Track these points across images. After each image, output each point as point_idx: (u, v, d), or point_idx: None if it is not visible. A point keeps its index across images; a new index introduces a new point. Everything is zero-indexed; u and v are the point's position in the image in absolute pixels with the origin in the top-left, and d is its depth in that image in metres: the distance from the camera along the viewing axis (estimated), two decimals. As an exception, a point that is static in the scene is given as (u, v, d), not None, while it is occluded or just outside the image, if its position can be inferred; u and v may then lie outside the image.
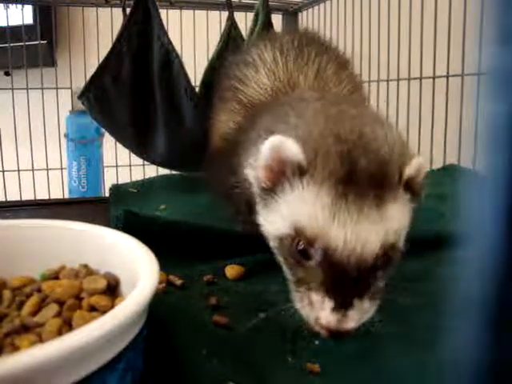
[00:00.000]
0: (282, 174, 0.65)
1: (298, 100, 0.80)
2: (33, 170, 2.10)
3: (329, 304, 0.59)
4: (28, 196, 2.01)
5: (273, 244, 0.69)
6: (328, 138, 0.64)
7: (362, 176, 0.61)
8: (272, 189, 0.67)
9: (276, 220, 0.67)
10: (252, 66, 1.01)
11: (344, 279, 0.59)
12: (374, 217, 0.60)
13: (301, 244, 0.62)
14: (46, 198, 2.02)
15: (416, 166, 0.65)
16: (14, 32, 2.06)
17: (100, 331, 0.43)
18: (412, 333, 0.68)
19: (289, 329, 0.68)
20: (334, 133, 0.64)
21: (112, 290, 0.61)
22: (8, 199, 1.99)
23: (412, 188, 0.65)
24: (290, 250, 0.64)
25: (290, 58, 0.97)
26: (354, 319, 0.59)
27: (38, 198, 2.00)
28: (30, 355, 0.39)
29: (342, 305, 0.58)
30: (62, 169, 2.17)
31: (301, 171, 0.63)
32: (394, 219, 0.62)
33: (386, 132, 0.68)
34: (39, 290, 0.60)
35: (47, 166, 2.12)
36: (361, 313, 0.60)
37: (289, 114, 0.74)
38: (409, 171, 0.64)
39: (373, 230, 0.60)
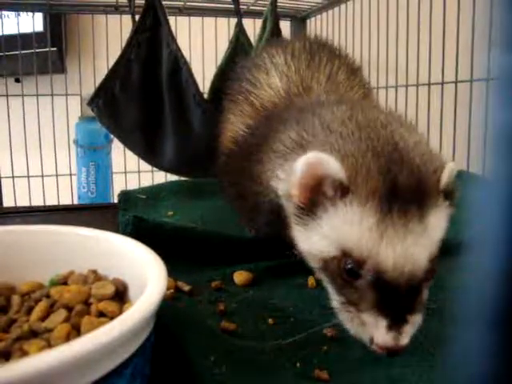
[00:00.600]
0: (320, 193, 0.63)
1: (320, 105, 0.79)
2: (42, 175, 2.12)
3: (383, 323, 0.58)
4: (37, 202, 2.02)
5: (315, 264, 0.67)
6: (366, 152, 0.62)
7: (403, 190, 0.59)
8: (310, 208, 0.65)
9: (318, 241, 0.64)
10: (263, 70, 1.00)
11: (396, 297, 0.58)
12: (420, 231, 0.59)
13: (348, 264, 0.60)
14: (56, 203, 2.04)
15: (450, 171, 0.64)
16: (25, 39, 2.08)
17: (108, 337, 0.43)
18: (422, 340, 0.67)
19: (297, 335, 0.68)
20: (371, 146, 0.63)
21: (120, 295, 0.61)
22: (18, 205, 2.01)
23: (448, 194, 0.64)
24: (337, 270, 0.62)
25: (301, 62, 0.97)
26: (408, 334, 0.58)
27: (48, 203, 2.01)
28: (39, 360, 0.39)
29: (396, 322, 0.58)
30: (71, 175, 2.19)
31: (342, 190, 0.61)
32: (437, 229, 0.61)
33: (417, 138, 0.67)
34: (48, 296, 0.60)
35: (56, 171, 2.14)
36: (414, 326, 0.59)
37: (316, 123, 0.72)
38: (445, 179, 0.63)
39: (420, 245, 0.59)
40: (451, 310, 0.29)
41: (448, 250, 0.91)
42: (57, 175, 2.15)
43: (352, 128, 0.67)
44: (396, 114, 0.77)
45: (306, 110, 0.79)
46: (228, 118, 1.05)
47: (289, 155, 0.72)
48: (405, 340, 0.58)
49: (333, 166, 0.61)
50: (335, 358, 0.65)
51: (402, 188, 0.59)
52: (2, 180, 2.08)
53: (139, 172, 2.18)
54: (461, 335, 0.28)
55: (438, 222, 0.61)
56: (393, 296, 0.58)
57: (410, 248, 0.58)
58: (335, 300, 0.64)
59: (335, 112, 0.73)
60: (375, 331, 0.58)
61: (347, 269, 0.60)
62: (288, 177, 0.69)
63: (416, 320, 0.59)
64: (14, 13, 2.16)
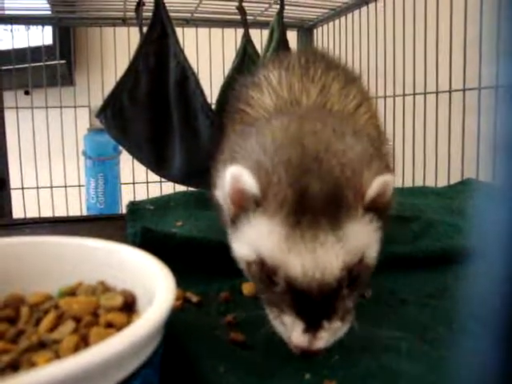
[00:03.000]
0: (242, 204, 0.67)
1: (269, 119, 0.82)
2: (51, 187, 2.13)
3: (299, 325, 0.61)
4: (46, 213, 2.03)
5: (242, 267, 0.72)
6: (279, 165, 0.65)
7: (314, 202, 0.62)
8: (236, 217, 0.69)
9: (242, 247, 0.69)
10: (258, 88, 1.02)
11: (310, 303, 0.61)
12: (331, 241, 0.61)
13: (265, 270, 0.64)
14: (65, 214, 2.05)
15: (379, 185, 0.65)
16: (34, 52, 2.11)
17: (116, 348, 0.43)
18: (430, 350, 0.67)
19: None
20: (286, 158, 0.65)
21: (129, 306, 0.61)
22: (27, 216, 2.02)
23: (376, 207, 0.65)
24: (257, 275, 0.67)
25: (294, 77, 0.98)
26: (323, 339, 0.61)
27: (57, 214, 2.02)
28: (47, 372, 0.39)
29: (311, 326, 0.60)
30: (79, 186, 2.20)
31: (256, 203, 0.65)
32: (355, 239, 0.63)
33: (346, 148, 0.68)
34: (56, 307, 0.60)
35: (65, 183, 2.15)
36: (331, 333, 0.61)
37: (250, 136, 0.76)
38: (370, 192, 0.64)
39: (330, 254, 0.61)
40: (459, 319, 0.29)
41: (457, 257, 0.91)
42: (66, 186, 2.17)
43: (279, 140, 0.70)
44: (346, 124, 0.79)
45: (255, 124, 0.83)
46: (227, 136, 1.06)
47: (225, 166, 0.75)
48: (319, 344, 0.61)
49: (247, 179, 0.65)
50: (344, 367, 0.64)
51: (312, 199, 0.62)
52: (12, 191, 2.09)
53: (147, 183, 2.19)
54: (468, 344, 0.28)
55: (354, 232, 0.63)
56: (307, 301, 0.61)
57: (318, 258, 0.61)
58: (262, 300, 0.68)
59: (273, 124, 0.77)
60: (292, 332, 0.61)
61: (265, 273, 0.65)
62: (222, 186, 0.74)
63: (334, 326, 0.62)
64: (24, 26, 2.18)
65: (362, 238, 0.64)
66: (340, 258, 0.61)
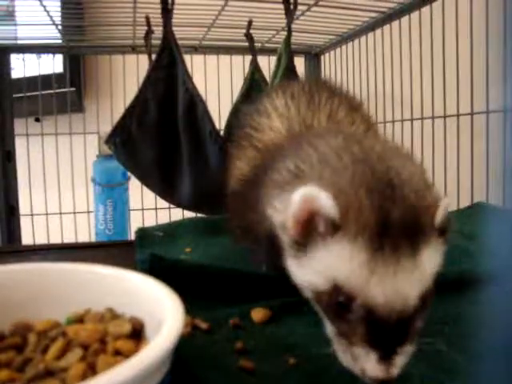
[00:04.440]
0: (313, 227, 0.64)
1: (316, 136, 0.80)
2: (60, 213, 2.14)
3: (373, 356, 0.58)
4: (56, 239, 2.04)
5: (308, 295, 0.68)
6: (359, 188, 0.62)
7: (395, 227, 0.60)
8: (303, 241, 0.65)
9: (309, 274, 0.65)
10: (265, 114, 1.02)
11: (386, 332, 0.58)
12: (411, 267, 0.59)
13: (339, 298, 0.61)
14: (74, 240, 2.05)
15: (445, 208, 0.64)
16: (45, 80, 2.14)
17: (124, 376, 0.43)
18: (445, 378, 0.66)
19: (317, 373, 0.66)
20: (365, 182, 0.63)
21: (137, 334, 0.60)
22: (36, 242, 2.02)
23: (443, 230, 0.64)
24: (328, 303, 0.63)
25: (301, 103, 0.98)
26: (398, 366, 0.58)
27: (66, 240, 2.03)
28: (54, 402, 0.38)
29: (386, 355, 0.58)
30: (88, 212, 2.21)
31: (334, 226, 0.61)
32: (430, 265, 0.61)
33: (414, 171, 0.67)
34: (64, 334, 0.60)
35: (74, 209, 2.16)
36: (404, 358, 0.59)
37: (312, 154, 0.73)
38: (440, 215, 0.63)
39: (411, 282, 0.59)
40: (474, 345, 0.28)
41: (468, 282, 0.90)
42: (75, 213, 2.18)
43: (346, 161, 0.67)
44: (392, 144, 0.78)
45: (303, 141, 0.80)
46: (234, 163, 1.07)
47: (286, 186, 0.72)
48: (395, 371, 0.58)
49: (326, 202, 0.61)
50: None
51: (393, 225, 0.60)
52: (22, 217, 2.10)
53: (156, 209, 2.19)
54: (484, 369, 0.27)
55: (431, 258, 0.62)
56: (383, 331, 0.58)
57: (400, 285, 0.58)
58: (330, 330, 0.65)
59: (331, 143, 0.74)
60: (366, 364, 0.59)
61: (338, 302, 0.61)
62: (284, 208, 0.70)
63: (407, 350, 0.60)
64: (35, 55, 2.22)
65: (435, 262, 0.63)
66: (419, 285, 0.60)
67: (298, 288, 0.70)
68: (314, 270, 0.64)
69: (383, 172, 0.65)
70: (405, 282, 0.59)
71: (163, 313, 0.56)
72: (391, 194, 0.62)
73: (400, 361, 0.58)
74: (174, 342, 0.50)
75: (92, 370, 0.53)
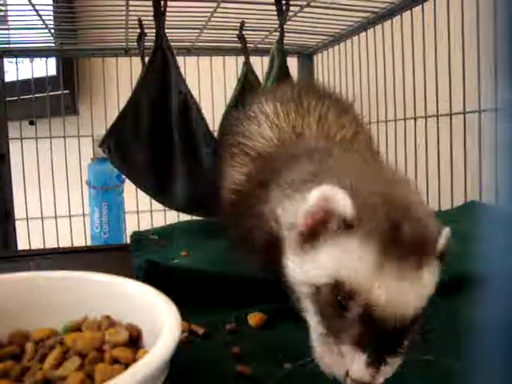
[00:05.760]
0: (324, 224, 0.65)
1: (328, 150, 0.83)
2: (56, 217, 2.14)
3: (362, 358, 0.58)
4: (51, 242, 2.03)
5: (303, 290, 0.68)
6: (375, 195, 0.65)
7: (405, 239, 0.61)
8: (311, 237, 0.67)
9: (312, 270, 0.66)
10: (255, 121, 1.03)
11: (380, 336, 0.59)
12: (416, 279, 0.61)
13: (340, 293, 0.62)
14: (69, 244, 2.05)
15: (446, 236, 0.66)
16: (39, 83, 2.13)
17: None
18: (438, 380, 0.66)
19: (313, 378, 0.66)
20: (380, 192, 0.66)
21: (134, 341, 0.61)
22: (32, 245, 2.02)
23: (442, 256, 0.66)
24: (327, 298, 0.63)
25: (290, 109, 1.00)
26: (385, 375, 0.59)
27: (61, 244, 2.03)
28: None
29: (376, 360, 0.58)
30: (84, 215, 2.20)
31: (347, 225, 0.63)
32: (429, 284, 0.63)
33: (417, 199, 0.70)
34: (61, 343, 0.60)
35: (69, 212, 2.16)
36: (392, 368, 0.60)
37: (330, 161, 0.77)
38: (442, 242, 0.65)
39: (415, 291, 0.61)
40: (467, 347, 0.29)
41: (462, 283, 0.90)
42: (70, 216, 2.17)
43: (363, 172, 0.72)
44: (399, 175, 0.83)
45: (318, 150, 0.83)
46: (226, 171, 1.07)
47: (300, 186, 0.74)
48: (380, 380, 0.58)
49: (343, 200, 0.63)
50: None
51: (403, 237, 0.61)
52: (17, 221, 2.09)
53: (151, 211, 2.19)
54: (480, 372, 0.27)
55: (429, 277, 0.63)
56: (377, 334, 0.59)
57: (403, 292, 0.60)
58: (314, 332, 0.66)
59: (349, 158, 0.80)
60: (353, 364, 0.59)
61: (337, 298, 0.62)
62: (296, 207, 0.72)
63: (395, 362, 0.60)
64: (28, 59, 2.21)
65: (432, 283, 0.64)
66: (419, 298, 0.62)
67: (289, 291, 0.72)
68: (319, 265, 0.65)
69: (394, 189, 0.69)
70: (409, 290, 0.60)
71: (160, 321, 0.57)
72: (404, 210, 0.64)
73: (386, 371, 0.59)
74: (172, 351, 0.51)
75: (90, 379, 0.54)
